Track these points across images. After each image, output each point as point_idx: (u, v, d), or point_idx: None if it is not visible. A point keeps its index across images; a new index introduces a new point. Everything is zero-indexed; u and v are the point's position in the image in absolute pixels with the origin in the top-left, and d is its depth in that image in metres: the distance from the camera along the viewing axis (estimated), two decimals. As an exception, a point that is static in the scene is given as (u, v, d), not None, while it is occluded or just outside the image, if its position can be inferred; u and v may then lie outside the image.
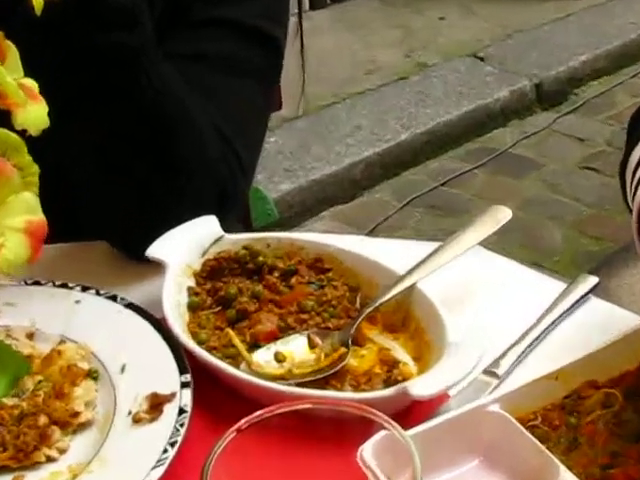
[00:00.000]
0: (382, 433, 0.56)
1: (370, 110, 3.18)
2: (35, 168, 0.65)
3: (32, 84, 0.65)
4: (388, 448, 0.55)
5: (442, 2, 3.99)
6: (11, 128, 0.63)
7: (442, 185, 2.93)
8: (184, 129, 0.92)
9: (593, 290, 0.89)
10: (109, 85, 0.88)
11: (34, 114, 0.63)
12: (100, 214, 0.95)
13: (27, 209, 0.65)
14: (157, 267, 0.85)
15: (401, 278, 0.83)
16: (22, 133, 0.64)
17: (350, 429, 0.57)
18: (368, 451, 0.57)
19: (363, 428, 0.56)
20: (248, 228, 1.31)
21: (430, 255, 0.86)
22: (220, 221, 0.91)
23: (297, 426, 0.57)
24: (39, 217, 0.65)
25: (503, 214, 0.90)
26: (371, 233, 2.63)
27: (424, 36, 3.72)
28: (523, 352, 0.82)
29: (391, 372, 0.77)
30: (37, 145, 0.66)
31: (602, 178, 2.92)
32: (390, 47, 3.63)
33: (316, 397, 0.71)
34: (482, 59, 3.55)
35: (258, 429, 0.56)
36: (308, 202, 2.81)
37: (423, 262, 0.85)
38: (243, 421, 0.55)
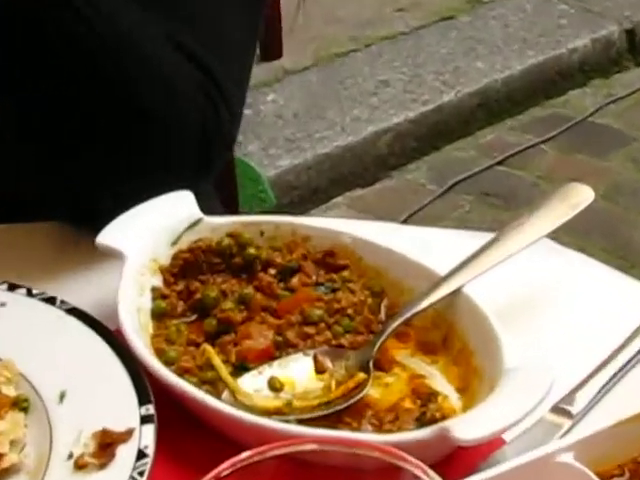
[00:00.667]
0: (414, 486, 0.56)
1: (402, 61, 3.19)
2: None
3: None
4: (422, 506, 0.55)
5: None
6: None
7: (498, 164, 2.93)
8: (135, 60, 0.94)
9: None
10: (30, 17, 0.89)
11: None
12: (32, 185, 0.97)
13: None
14: (111, 260, 0.86)
15: (442, 280, 0.84)
16: None
17: (370, 480, 0.57)
18: (394, 510, 0.57)
19: (388, 479, 0.56)
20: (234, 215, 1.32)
21: (482, 250, 0.87)
22: (199, 195, 0.91)
23: (297, 475, 0.56)
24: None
25: (582, 195, 0.90)
26: (401, 226, 2.63)
27: (477, -37, 3.73)
28: (606, 384, 0.82)
29: (426, 407, 0.78)
30: None
31: None
32: (430, -23, 3.64)
33: (324, 437, 0.71)
34: (555, -5, 3.56)
35: (244, 477, 0.55)
36: (316, 184, 2.81)
37: (472, 259, 0.86)
38: (224, 466, 0.55)
